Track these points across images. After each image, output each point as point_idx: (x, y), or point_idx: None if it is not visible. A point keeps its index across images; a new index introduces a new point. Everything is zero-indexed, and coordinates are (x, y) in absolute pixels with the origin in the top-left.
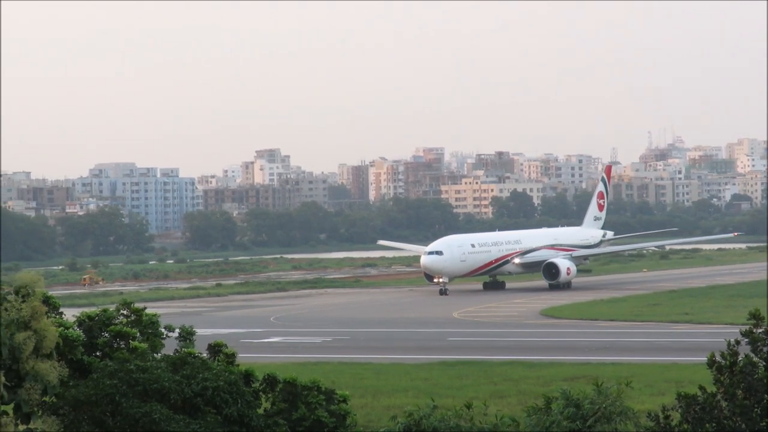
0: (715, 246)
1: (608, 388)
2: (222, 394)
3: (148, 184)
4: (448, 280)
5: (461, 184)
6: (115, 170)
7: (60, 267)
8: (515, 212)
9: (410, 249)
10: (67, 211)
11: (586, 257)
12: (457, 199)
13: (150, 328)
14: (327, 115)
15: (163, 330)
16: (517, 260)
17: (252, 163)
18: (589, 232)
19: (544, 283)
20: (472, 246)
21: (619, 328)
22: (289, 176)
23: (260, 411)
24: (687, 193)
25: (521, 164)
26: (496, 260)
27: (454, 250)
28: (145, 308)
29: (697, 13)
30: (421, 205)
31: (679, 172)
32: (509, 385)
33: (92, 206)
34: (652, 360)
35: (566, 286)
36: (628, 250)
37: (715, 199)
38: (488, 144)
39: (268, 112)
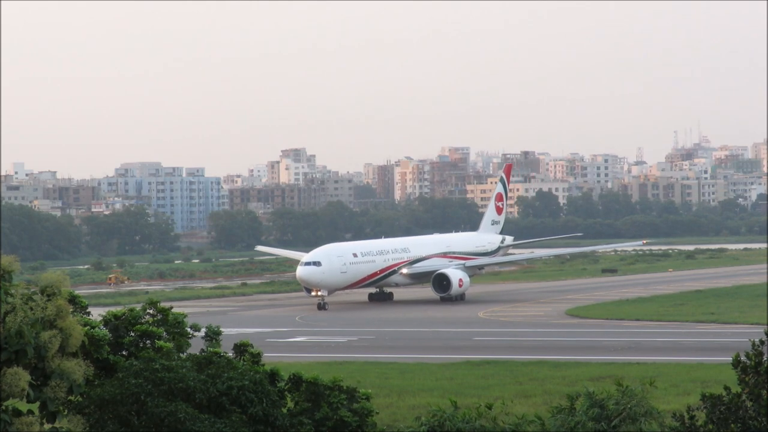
0: (741, 246)
1: (633, 389)
2: (247, 394)
3: (174, 184)
4: (327, 293)
5: (487, 183)
6: (141, 170)
7: (86, 266)
8: (541, 212)
9: (288, 255)
10: (93, 210)
11: (481, 266)
12: (482, 199)
13: (176, 327)
14: (352, 114)
15: (188, 329)
16: (404, 270)
17: (278, 162)
18: (485, 237)
19: (435, 294)
20: (354, 256)
21: (645, 327)
22: (314, 176)
23: (284, 410)
24: (713, 193)
25: (547, 164)
26: (381, 271)
27: (334, 260)
28: (171, 308)
29: (722, 11)
30: (446, 204)
31: (705, 172)
32: (535, 384)
33: (118, 206)
34: (678, 360)
35: (459, 298)
36: (526, 258)
37: (741, 199)
38: (514, 143)
39: (293, 112)
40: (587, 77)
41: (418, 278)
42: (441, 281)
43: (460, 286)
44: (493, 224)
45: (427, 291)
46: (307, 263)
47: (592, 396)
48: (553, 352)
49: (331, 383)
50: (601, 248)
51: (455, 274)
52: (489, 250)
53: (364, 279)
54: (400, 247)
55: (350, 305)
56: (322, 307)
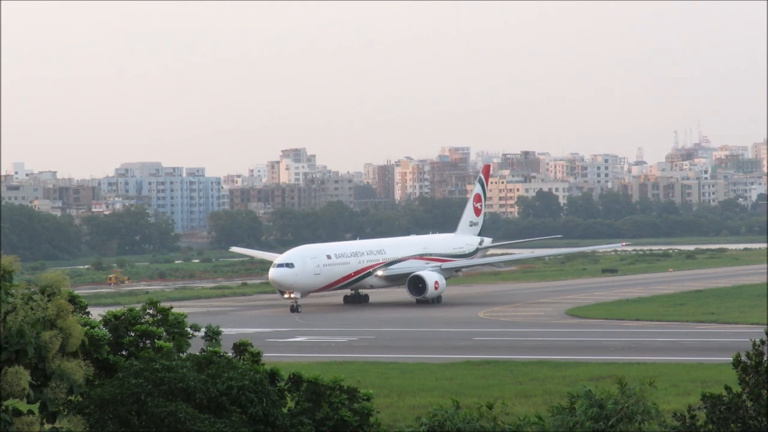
0: (741, 246)
1: (632, 388)
2: (247, 394)
3: (174, 184)
4: (300, 295)
5: (487, 183)
6: (141, 170)
7: (86, 266)
8: (541, 212)
9: (262, 257)
10: (93, 210)
11: (458, 268)
12: None
13: (176, 327)
14: (353, 114)
15: (188, 329)
16: (380, 272)
17: (278, 162)
18: (463, 239)
19: (411, 297)
20: (328, 257)
21: (645, 327)
22: (314, 176)
23: (285, 410)
24: (713, 193)
25: (547, 164)
26: (356, 273)
27: (307, 262)
28: (171, 308)
29: (722, 11)
30: (446, 204)
31: (705, 172)
32: (535, 384)
33: (118, 206)
34: (678, 360)
35: (435, 301)
36: (504, 260)
37: (741, 199)
38: (514, 143)
39: (293, 112)
40: (587, 77)
41: (393, 280)
42: (416, 283)
43: (436, 288)
44: (471, 225)
45: (405, 293)
46: (280, 265)
47: (591, 396)
48: (553, 352)
49: (332, 383)
50: (585, 249)
51: (431, 277)
52: (467, 252)
53: (339, 281)
54: (375, 248)
55: (350, 306)
56: (294, 309)
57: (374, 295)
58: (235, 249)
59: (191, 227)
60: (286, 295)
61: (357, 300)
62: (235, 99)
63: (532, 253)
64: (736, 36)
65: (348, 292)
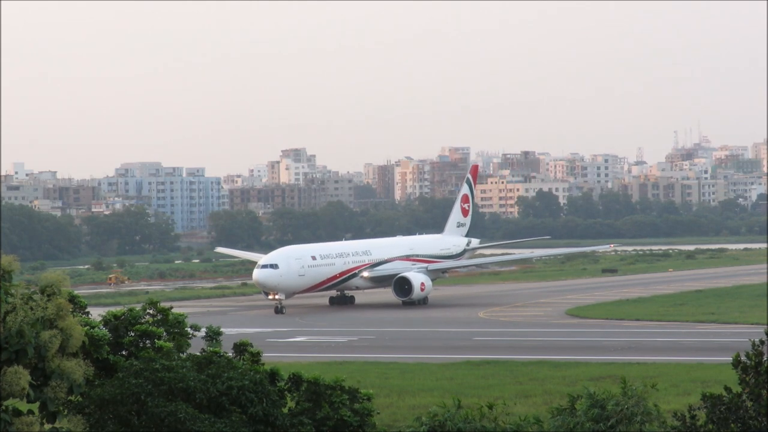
0: (741, 246)
1: (634, 389)
2: (247, 394)
3: (174, 184)
4: (284, 296)
5: (487, 183)
6: (141, 170)
7: (86, 266)
8: (541, 212)
9: (248, 257)
10: (93, 210)
11: (444, 270)
12: (482, 199)
13: (176, 327)
14: (353, 114)
15: (188, 329)
16: (366, 273)
17: (278, 162)
18: (451, 240)
19: (397, 298)
20: (313, 258)
21: (645, 327)
22: (314, 176)
23: (285, 410)
24: (713, 193)
25: (547, 164)
26: (341, 274)
27: (292, 263)
28: (171, 308)
29: (722, 11)
30: (446, 204)
31: (705, 172)
32: (535, 384)
33: (118, 206)
34: (678, 360)
35: (421, 302)
36: (492, 263)
37: (741, 199)
38: (514, 144)
39: (293, 112)
40: (587, 77)
41: (379, 281)
42: (402, 285)
43: (422, 290)
44: (458, 226)
45: (391, 294)
46: (264, 266)
47: (593, 396)
48: (553, 352)
49: (333, 383)
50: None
51: (417, 278)
52: (454, 253)
53: (324, 282)
54: (361, 249)
55: (336, 307)
56: (279, 310)
57: (360, 297)
58: (219, 249)
59: (191, 227)
60: (270, 297)
61: (343, 301)
62: (235, 99)
63: (532, 253)
64: (736, 36)
65: (333, 293)
